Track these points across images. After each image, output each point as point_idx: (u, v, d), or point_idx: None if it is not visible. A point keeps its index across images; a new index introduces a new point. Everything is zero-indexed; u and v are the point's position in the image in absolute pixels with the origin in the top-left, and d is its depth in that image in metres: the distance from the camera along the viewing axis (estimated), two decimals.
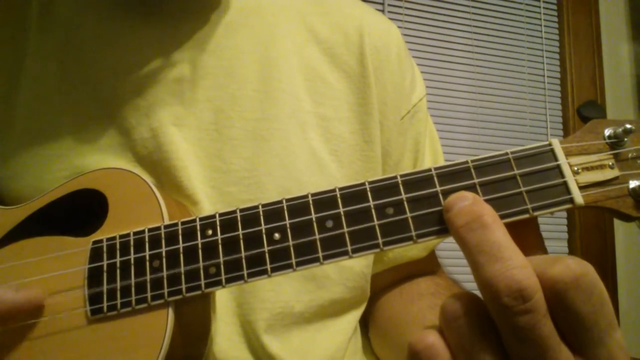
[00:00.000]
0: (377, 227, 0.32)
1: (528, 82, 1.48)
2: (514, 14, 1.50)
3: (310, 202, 0.33)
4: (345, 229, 0.32)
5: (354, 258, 0.32)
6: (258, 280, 0.33)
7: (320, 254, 0.32)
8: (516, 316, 0.24)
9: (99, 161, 0.46)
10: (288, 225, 0.33)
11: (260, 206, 0.35)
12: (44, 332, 0.37)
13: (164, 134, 0.47)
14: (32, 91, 0.49)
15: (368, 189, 0.33)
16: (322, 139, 0.51)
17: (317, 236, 0.33)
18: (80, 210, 0.41)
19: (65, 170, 0.46)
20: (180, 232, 0.36)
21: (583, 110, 0.34)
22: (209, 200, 0.47)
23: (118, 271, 0.36)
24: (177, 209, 0.41)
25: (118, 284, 0.36)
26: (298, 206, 0.34)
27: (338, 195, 0.33)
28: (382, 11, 1.36)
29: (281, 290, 0.47)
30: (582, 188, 0.31)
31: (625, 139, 0.32)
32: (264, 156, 0.48)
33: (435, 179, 0.32)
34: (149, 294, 0.35)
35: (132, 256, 0.36)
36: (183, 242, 0.36)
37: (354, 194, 0.33)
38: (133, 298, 0.35)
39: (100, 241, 0.38)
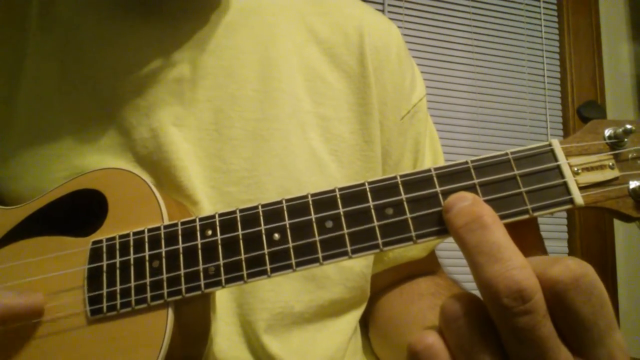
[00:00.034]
0: (376, 227, 0.32)
1: (528, 82, 1.48)
2: (514, 14, 1.50)
3: (310, 202, 0.33)
4: (345, 230, 0.32)
5: (354, 258, 0.32)
6: (258, 280, 0.33)
7: (320, 255, 0.32)
8: (516, 317, 0.24)
9: (98, 161, 0.46)
10: (288, 226, 0.33)
11: (259, 206, 0.35)
12: (44, 333, 0.37)
13: (164, 134, 0.47)
14: (32, 91, 0.49)
15: (368, 189, 0.33)
16: (322, 139, 0.51)
17: (317, 237, 0.33)
18: (80, 211, 0.41)
19: (65, 170, 0.46)
20: (179, 232, 0.36)
21: (583, 110, 0.34)
22: (208, 201, 0.47)
23: (118, 271, 0.36)
24: (177, 209, 0.41)
25: (118, 284, 0.36)
26: (298, 206, 0.34)
27: (338, 196, 0.33)
28: (382, 11, 1.36)
29: (281, 291, 0.47)
30: (582, 188, 0.31)
31: (626, 140, 0.32)
32: (264, 156, 0.48)
33: (435, 179, 0.32)
34: (148, 294, 0.35)
35: (131, 256, 0.36)
36: (183, 243, 0.36)
37: (353, 195, 0.33)
38: (133, 298, 0.35)
39: (100, 241, 0.38)
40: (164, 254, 0.36)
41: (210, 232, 0.35)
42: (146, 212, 0.39)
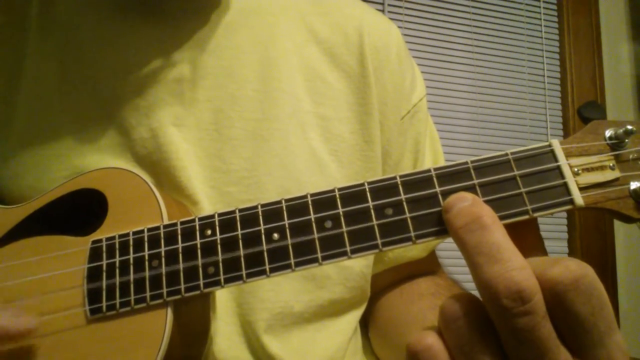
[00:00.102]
0: (376, 227, 0.32)
1: (528, 82, 1.48)
2: (514, 14, 1.50)
3: (310, 202, 0.33)
4: (345, 230, 0.32)
5: (353, 258, 0.32)
6: (257, 280, 0.33)
7: (319, 255, 0.32)
8: (515, 318, 0.24)
9: (98, 161, 0.46)
10: (287, 226, 0.33)
11: (259, 206, 0.35)
12: (43, 332, 0.37)
13: (163, 134, 0.47)
14: (32, 91, 0.49)
15: (367, 189, 0.33)
16: (322, 139, 0.51)
17: (316, 236, 0.33)
18: (79, 210, 0.41)
19: (65, 170, 0.46)
20: (179, 232, 0.36)
21: (583, 110, 0.34)
22: (208, 201, 0.47)
23: (117, 271, 0.36)
24: (176, 209, 0.41)
25: (117, 284, 0.36)
26: (297, 206, 0.34)
27: (337, 196, 0.33)
28: (382, 11, 1.36)
29: (281, 290, 0.47)
30: (582, 189, 0.31)
31: (626, 140, 0.31)
32: (263, 156, 0.48)
33: (435, 179, 0.32)
34: (147, 294, 0.35)
35: (131, 256, 0.36)
36: (182, 242, 0.36)
37: (353, 195, 0.33)
38: (132, 298, 0.35)
39: (100, 241, 0.38)
40: (163, 254, 0.36)
41: (209, 232, 0.35)
42: (146, 212, 0.39)
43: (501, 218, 0.30)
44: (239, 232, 0.34)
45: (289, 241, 0.33)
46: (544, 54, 1.51)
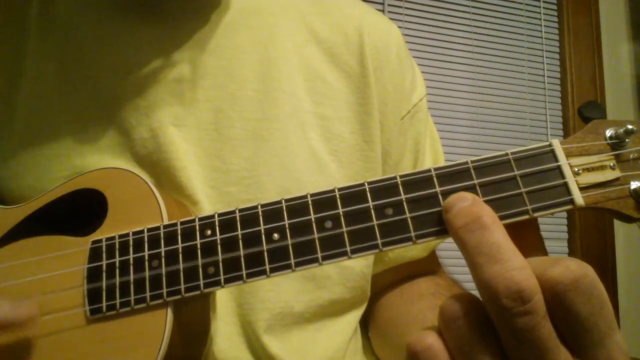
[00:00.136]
0: (376, 227, 0.32)
1: (528, 82, 1.48)
2: (514, 14, 1.50)
3: (310, 202, 0.33)
4: (345, 230, 0.32)
5: (353, 258, 0.32)
6: (257, 280, 0.33)
7: (320, 255, 0.32)
8: (515, 317, 0.24)
9: (98, 161, 0.46)
10: (287, 226, 0.33)
11: (259, 206, 0.35)
12: (43, 332, 0.37)
13: (163, 134, 0.47)
14: (32, 91, 0.49)
15: (367, 189, 0.33)
16: (322, 139, 0.51)
17: (316, 236, 0.33)
18: (79, 210, 0.41)
19: (65, 170, 0.46)
20: (179, 232, 0.36)
21: (584, 110, 0.34)
22: (208, 201, 0.47)
23: (117, 271, 0.36)
24: (177, 209, 0.41)
25: (117, 284, 0.36)
26: (297, 206, 0.34)
27: (337, 196, 0.33)
28: (382, 11, 1.36)
29: (281, 291, 0.47)
30: (582, 189, 0.31)
31: (627, 140, 0.31)
32: (263, 156, 0.48)
33: (435, 179, 0.32)
34: (147, 294, 0.35)
35: (131, 256, 0.36)
36: (182, 242, 0.36)
37: (353, 195, 0.33)
38: (132, 298, 0.35)
39: (100, 241, 0.38)
40: (163, 254, 0.36)
41: (209, 232, 0.35)
42: (146, 212, 0.38)
43: (501, 218, 0.30)
44: (239, 232, 0.34)
45: (289, 241, 0.33)
46: (544, 54, 1.50)
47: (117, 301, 0.36)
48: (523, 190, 0.31)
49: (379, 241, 0.31)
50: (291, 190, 0.47)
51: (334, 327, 0.50)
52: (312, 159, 0.50)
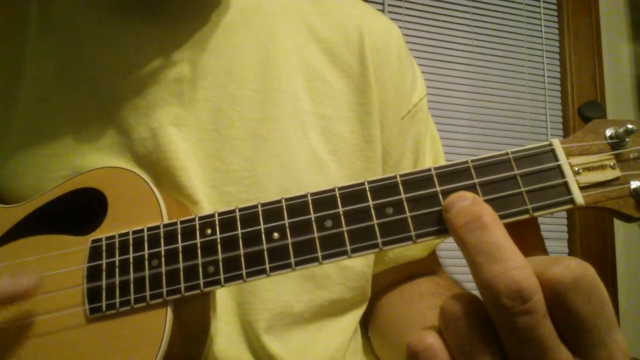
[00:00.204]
0: (376, 226, 0.32)
1: (528, 82, 1.48)
2: (514, 14, 1.50)
3: (310, 201, 0.33)
4: (345, 229, 0.32)
5: (353, 258, 0.32)
6: (257, 279, 0.33)
7: (320, 254, 0.32)
8: (515, 317, 0.24)
9: (98, 161, 0.46)
10: (287, 225, 0.33)
11: (259, 205, 0.34)
12: (43, 331, 0.37)
13: (163, 134, 0.47)
14: (31, 91, 0.49)
15: (367, 188, 0.33)
16: (322, 139, 0.51)
17: (316, 236, 0.33)
18: (79, 209, 0.41)
19: (65, 169, 0.46)
20: (179, 231, 0.36)
21: (584, 110, 0.34)
22: (208, 200, 0.47)
23: (117, 270, 0.36)
24: (176, 208, 0.41)
25: (117, 283, 0.36)
26: (297, 206, 0.34)
27: (337, 195, 0.33)
28: (382, 11, 1.36)
29: (281, 290, 0.47)
30: (582, 188, 0.31)
31: (627, 139, 0.31)
32: (263, 156, 0.48)
33: (435, 178, 0.32)
34: (147, 293, 0.35)
35: (131, 255, 0.36)
36: (182, 242, 0.36)
37: (353, 194, 0.33)
38: (132, 297, 0.35)
39: (100, 240, 0.38)
40: (163, 253, 0.36)
41: (209, 231, 0.35)
42: (146, 211, 0.38)
43: (501, 217, 0.30)
44: (239, 231, 0.34)
45: (289, 240, 0.33)
46: (544, 54, 1.50)
47: (117, 300, 0.36)
48: (523, 189, 0.31)
49: (379, 240, 0.31)
50: (291, 190, 0.47)
51: (334, 327, 0.50)
52: (312, 159, 0.50)
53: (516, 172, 0.31)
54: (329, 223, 0.33)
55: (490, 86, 1.45)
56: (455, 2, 1.45)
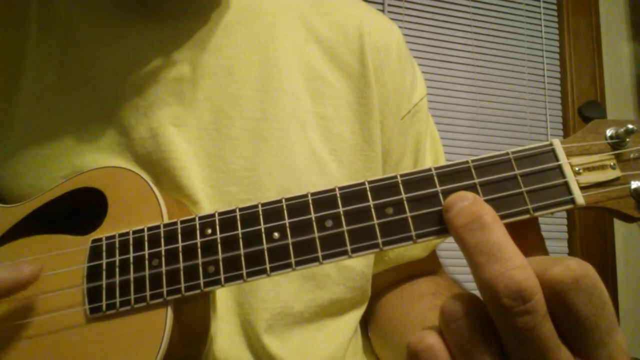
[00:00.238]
0: (376, 226, 0.32)
1: (528, 82, 1.48)
2: (514, 14, 1.50)
3: (310, 201, 0.33)
4: (345, 229, 0.32)
5: (354, 258, 0.32)
6: (257, 279, 0.33)
7: (320, 254, 0.32)
8: (516, 317, 0.24)
9: (98, 160, 0.46)
10: (287, 225, 0.33)
11: (259, 205, 0.34)
12: (43, 331, 0.37)
13: (163, 133, 0.47)
14: (31, 91, 0.49)
15: (368, 188, 0.33)
16: (322, 139, 0.51)
17: (317, 235, 0.33)
18: (79, 209, 0.41)
19: (65, 169, 0.46)
20: (179, 231, 0.36)
21: (584, 110, 0.34)
22: (208, 200, 0.47)
23: (117, 270, 0.36)
24: (177, 208, 0.41)
25: (117, 283, 0.36)
26: (297, 205, 0.34)
27: (338, 195, 0.33)
28: (382, 11, 1.36)
29: (281, 290, 0.47)
30: (583, 188, 0.31)
31: (627, 140, 0.31)
32: (263, 156, 0.48)
33: (436, 178, 0.32)
34: (147, 293, 0.35)
35: (131, 255, 0.36)
36: (182, 241, 0.36)
37: (353, 194, 0.33)
38: (132, 297, 0.35)
39: (100, 240, 0.38)
40: (163, 253, 0.36)
41: (209, 231, 0.35)
42: (146, 211, 0.38)
43: (502, 217, 0.30)
44: (240, 231, 0.34)
45: (290, 240, 0.33)
46: (544, 54, 1.50)
47: (117, 300, 0.36)
48: (524, 189, 0.31)
49: (380, 240, 0.31)
50: (291, 190, 0.46)
51: (334, 327, 0.50)
52: (312, 159, 0.50)
53: (517, 172, 0.31)
54: (329, 223, 0.33)
55: (490, 86, 1.45)
56: (455, 2, 1.45)
